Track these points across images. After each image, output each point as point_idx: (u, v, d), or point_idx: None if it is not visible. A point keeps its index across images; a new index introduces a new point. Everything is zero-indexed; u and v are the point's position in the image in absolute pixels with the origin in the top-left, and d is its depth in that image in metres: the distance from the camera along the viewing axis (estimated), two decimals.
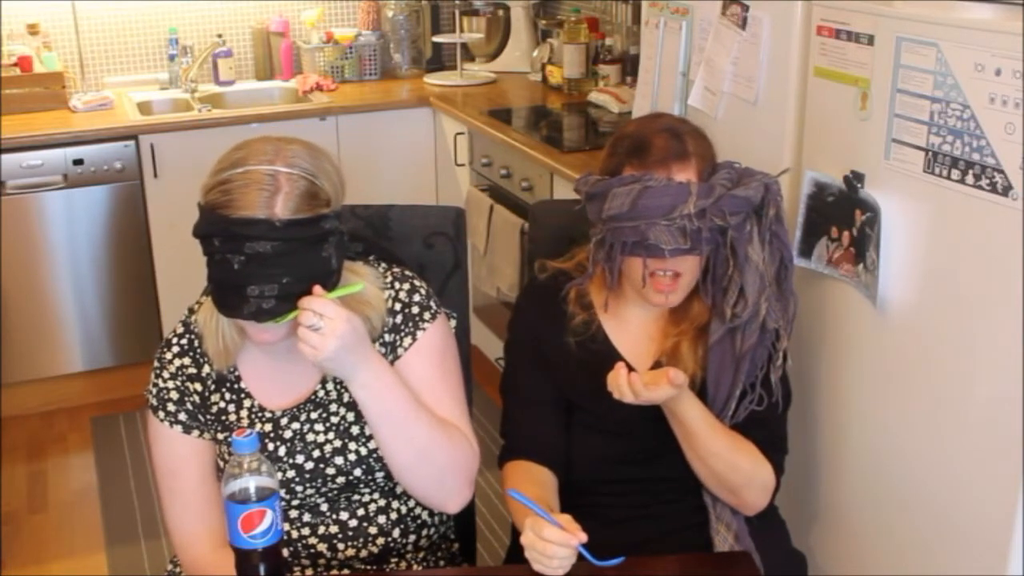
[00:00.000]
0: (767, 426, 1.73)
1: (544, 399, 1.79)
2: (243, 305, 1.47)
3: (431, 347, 1.66)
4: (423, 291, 1.69)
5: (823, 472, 2.03)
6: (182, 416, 1.66)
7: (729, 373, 1.70)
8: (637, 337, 1.77)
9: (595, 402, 1.68)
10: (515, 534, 1.67)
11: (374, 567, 1.69)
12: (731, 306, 1.68)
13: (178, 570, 1.74)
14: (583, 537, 1.44)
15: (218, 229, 1.46)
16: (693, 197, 1.61)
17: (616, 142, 1.72)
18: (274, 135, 1.55)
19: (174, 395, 1.66)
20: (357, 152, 3.91)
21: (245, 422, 1.66)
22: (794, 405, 1.83)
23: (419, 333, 1.65)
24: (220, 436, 1.67)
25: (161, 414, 1.66)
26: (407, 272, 1.71)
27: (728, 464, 1.68)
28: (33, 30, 3.86)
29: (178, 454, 1.67)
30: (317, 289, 1.49)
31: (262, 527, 1.42)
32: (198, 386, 1.67)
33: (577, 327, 1.77)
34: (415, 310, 1.66)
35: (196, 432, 1.66)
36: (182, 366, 1.67)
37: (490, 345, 3.64)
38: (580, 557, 1.46)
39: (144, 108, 3.90)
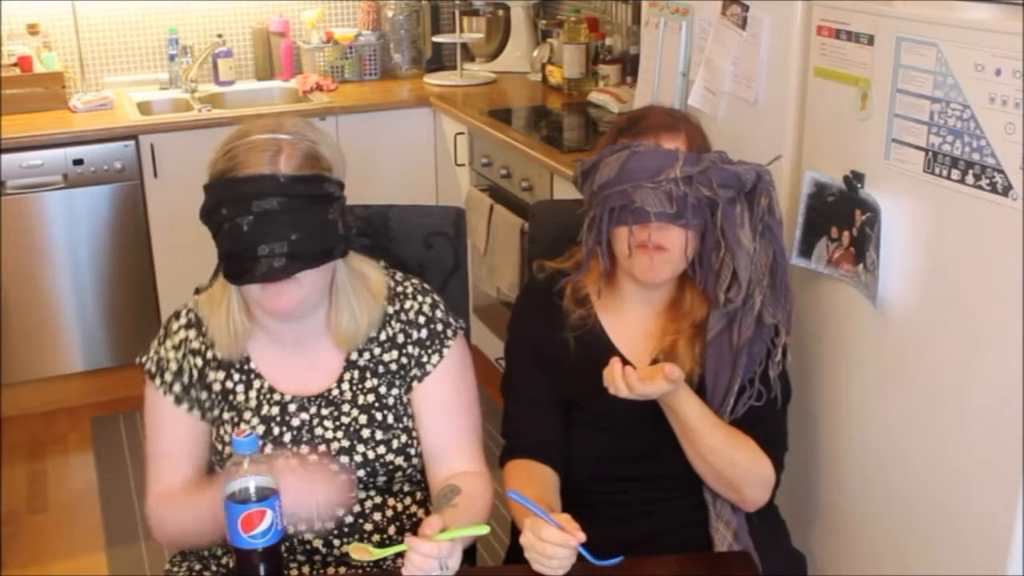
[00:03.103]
0: (766, 422, 1.73)
1: (544, 398, 1.79)
2: (255, 267, 1.50)
3: (454, 365, 1.71)
4: (442, 306, 1.74)
5: (823, 472, 2.03)
6: (176, 387, 1.67)
7: (727, 368, 1.70)
8: (636, 335, 1.78)
9: (594, 400, 1.68)
10: (515, 534, 1.67)
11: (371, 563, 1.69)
12: (724, 290, 1.67)
13: (176, 570, 1.74)
14: (581, 537, 1.44)
15: (226, 194, 1.51)
16: (680, 162, 1.62)
17: (614, 124, 1.79)
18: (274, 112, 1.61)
19: (172, 366, 1.67)
20: (357, 152, 3.90)
21: (253, 403, 1.66)
22: (794, 404, 1.83)
23: (445, 351, 1.70)
24: (226, 416, 1.66)
25: (157, 381, 1.67)
26: (425, 285, 1.76)
27: (727, 460, 1.68)
28: (33, 30, 3.86)
29: (167, 424, 1.67)
30: (427, 529, 1.42)
31: (262, 527, 1.42)
32: (199, 361, 1.67)
33: (574, 323, 1.77)
34: (439, 327, 1.70)
35: (186, 406, 1.67)
36: (187, 338, 1.68)
37: (490, 345, 3.64)
38: (580, 557, 1.46)
39: (144, 108, 3.89)
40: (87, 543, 3.05)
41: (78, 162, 3.55)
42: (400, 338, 1.69)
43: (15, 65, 3.77)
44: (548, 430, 1.77)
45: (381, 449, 1.65)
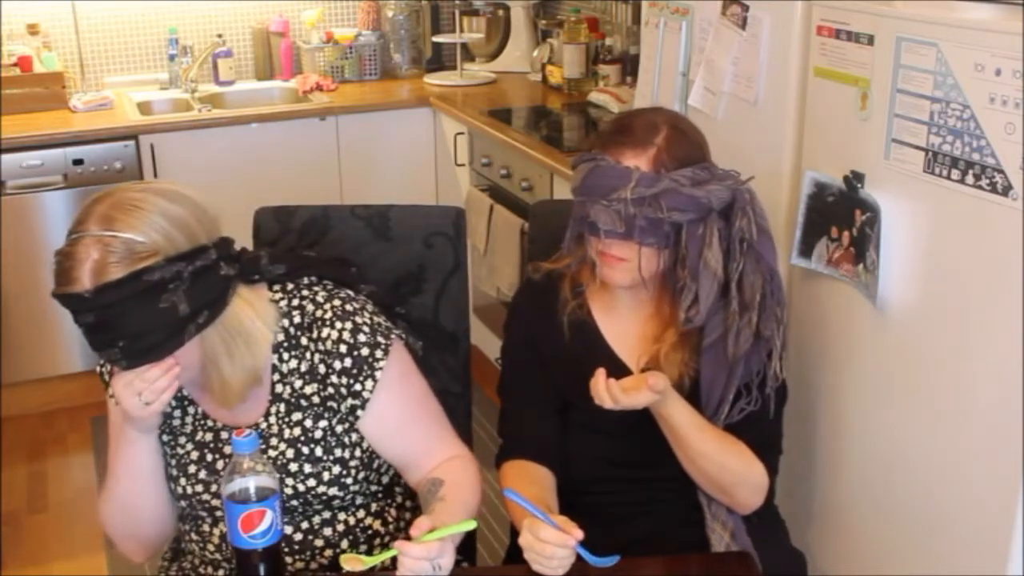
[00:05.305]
0: (760, 427, 1.73)
1: (540, 398, 1.79)
2: (111, 363, 1.50)
3: (393, 381, 1.63)
4: (367, 327, 1.62)
5: (823, 471, 2.03)
6: None
7: (722, 377, 1.69)
8: (629, 336, 1.77)
9: (590, 401, 1.68)
10: (515, 534, 1.67)
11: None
12: (685, 309, 1.67)
13: (172, 572, 1.74)
14: (579, 535, 1.45)
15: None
16: (632, 183, 1.61)
17: (605, 124, 1.75)
18: (115, 187, 1.51)
19: None
20: (357, 152, 3.91)
21: (188, 428, 1.65)
22: (794, 405, 1.83)
23: (378, 373, 1.61)
24: (164, 438, 1.65)
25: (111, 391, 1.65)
26: (347, 307, 1.64)
27: (718, 465, 1.68)
28: (33, 30, 3.86)
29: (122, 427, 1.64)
30: (415, 531, 1.43)
31: (262, 527, 1.42)
32: None
33: (571, 312, 1.77)
34: (364, 352, 1.61)
35: None
36: None
37: (490, 345, 3.64)
38: (578, 556, 1.46)
39: (144, 108, 3.90)
40: (87, 543, 3.05)
41: (78, 162, 3.55)
42: (321, 369, 1.61)
43: (15, 65, 3.77)
44: (544, 430, 1.77)
45: (311, 482, 1.61)
